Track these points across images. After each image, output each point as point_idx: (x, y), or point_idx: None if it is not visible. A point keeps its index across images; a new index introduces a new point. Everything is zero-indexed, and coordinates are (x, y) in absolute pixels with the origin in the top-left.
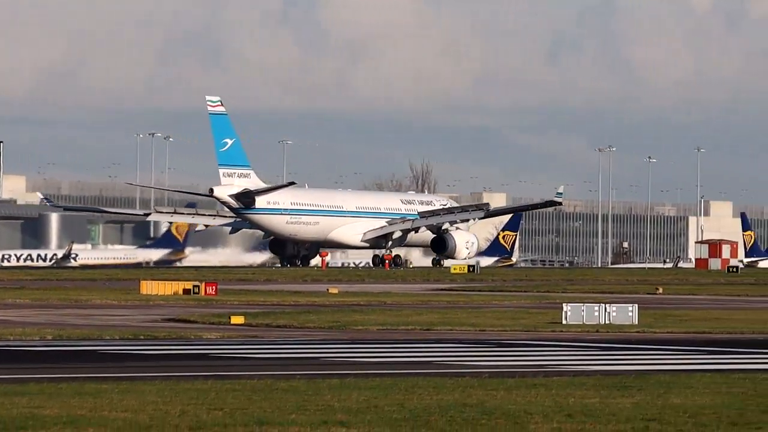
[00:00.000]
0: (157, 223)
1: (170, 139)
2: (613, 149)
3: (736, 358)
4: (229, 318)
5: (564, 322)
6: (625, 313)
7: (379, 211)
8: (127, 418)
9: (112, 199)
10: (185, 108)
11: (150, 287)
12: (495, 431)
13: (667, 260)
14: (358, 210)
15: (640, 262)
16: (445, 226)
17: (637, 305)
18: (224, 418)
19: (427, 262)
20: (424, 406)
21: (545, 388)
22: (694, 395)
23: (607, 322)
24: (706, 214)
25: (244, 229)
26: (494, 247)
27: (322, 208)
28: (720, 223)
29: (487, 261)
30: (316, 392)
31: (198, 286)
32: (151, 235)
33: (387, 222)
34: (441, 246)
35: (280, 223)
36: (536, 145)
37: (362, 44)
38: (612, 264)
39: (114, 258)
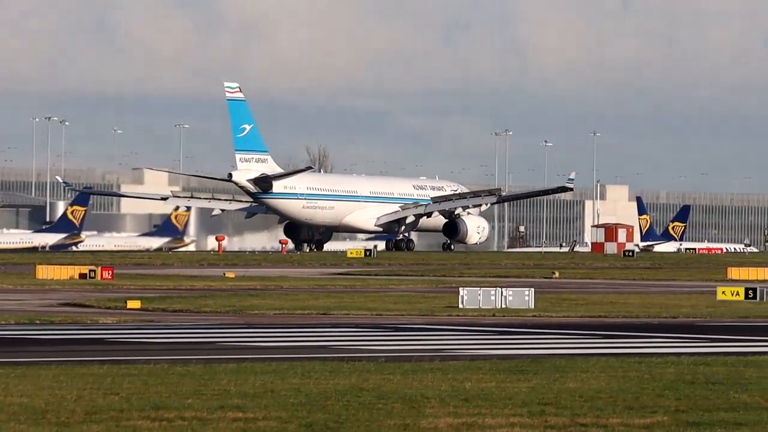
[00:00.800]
0: (54, 207)
1: (66, 123)
2: (510, 133)
3: (632, 342)
4: (125, 302)
5: (460, 306)
6: (521, 298)
7: (392, 196)
8: (23, 402)
9: (7, 183)
10: (81, 91)
11: (46, 272)
12: (391, 415)
13: (564, 244)
14: (371, 195)
15: (536, 246)
16: (458, 211)
17: (533, 289)
18: (120, 402)
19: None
20: (321, 391)
21: (442, 372)
22: (589, 379)
23: (503, 306)
24: (602, 198)
25: (259, 213)
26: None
27: (337, 193)
28: (616, 207)
29: (383, 245)
30: (212, 377)
31: (94, 271)
32: (48, 219)
33: (400, 207)
34: (453, 231)
35: (296, 208)
36: (432, 129)
37: (256, 26)
38: (508, 248)
39: (9, 243)
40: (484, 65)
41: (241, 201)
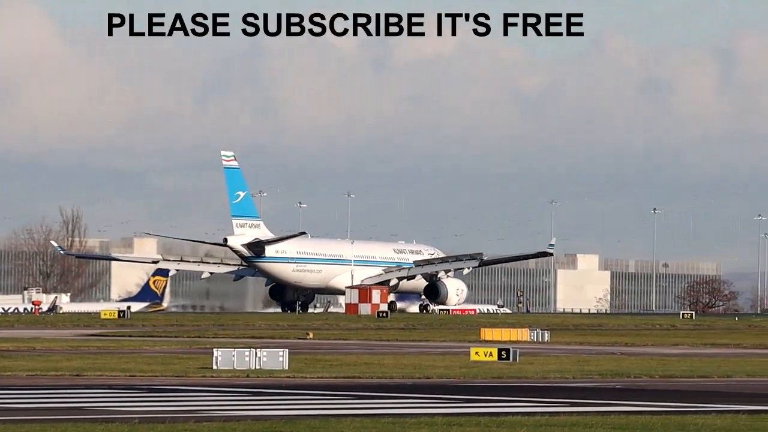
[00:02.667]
0: None
1: None
2: (264, 194)
3: (385, 403)
4: None
5: (215, 367)
6: (275, 358)
7: (374, 259)
8: None
9: None
10: None
11: None
12: None
13: (318, 305)
14: (356, 259)
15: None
16: (441, 274)
17: (287, 350)
18: None
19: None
20: None
21: None
22: None
23: (258, 367)
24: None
25: (246, 276)
26: (145, 292)
27: (324, 257)
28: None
29: (138, 306)
30: None
31: None
32: None
33: (383, 270)
34: (434, 293)
35: (287, 271)
36: (185, 189)
37: (8, 84)
38: (264, 309)
39: None
40: (238, 125)
41: (229, 264)
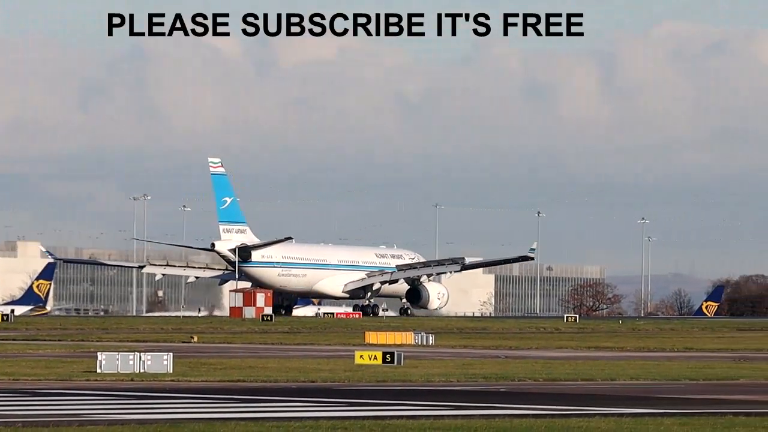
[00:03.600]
0: None
1: None
2: (149, 197)
3: (270, 407)
4: None
5: (99, 371)
6: (160, 362)
7: (357, 264)
8: None
9: None
10: None
11: None
12: None
13: (202, 309)
14: (339, 263)
15: (175, 311)
16: (423, 278)
17: (171, 354)
18: None
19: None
20: None
21: None
22: None
23: (142, 370)
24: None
25: (231, 281)
26: (28, 296)
27: (309, 262)
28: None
29: (21, 309)
30: None
31: None
32: None
33: (366, 274)
34: (415, 296)
35: (273, 276)
36: (69, 193)
37: None
38: (147, 312)
39: None
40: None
41: (214, 269)
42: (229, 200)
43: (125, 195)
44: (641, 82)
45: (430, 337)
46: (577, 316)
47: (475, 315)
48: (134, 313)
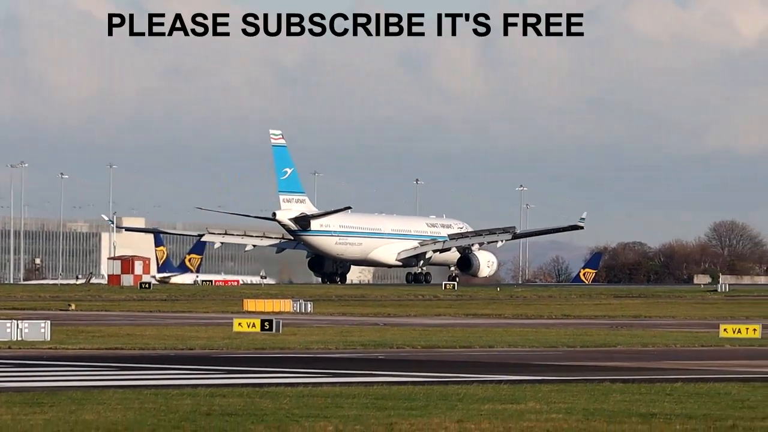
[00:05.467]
0: None
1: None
2: (26, 165)
3: (148, 374)
4: None
5: None
6: (37, 330)
7: (410, 233)
8: None
9: None
10: None
11: None
12: None
13: (80, 276)
14: (393, 232)
15: (53, 279)
16: (474, 247)
17: (49, 322)
18: None
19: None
20: None
21: None
22: (106, 411)
23: (19, 338)
24: (119, 230)
25: (288, 249)
26: None
27: (364, 231)
28: (132, 239)
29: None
30: None
31: None
32: None
33: (419, 243)
34: (466, 264)
35: (330, 244)
36: None
37: None
38: (24, 280)
39: None
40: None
41: (270, 237)
42: (289, 171)
43: (2, 163)
44: (517, 51)
45: (309, 305)
46: (455, 283)
47: (354, 283)
48: (11, 281)
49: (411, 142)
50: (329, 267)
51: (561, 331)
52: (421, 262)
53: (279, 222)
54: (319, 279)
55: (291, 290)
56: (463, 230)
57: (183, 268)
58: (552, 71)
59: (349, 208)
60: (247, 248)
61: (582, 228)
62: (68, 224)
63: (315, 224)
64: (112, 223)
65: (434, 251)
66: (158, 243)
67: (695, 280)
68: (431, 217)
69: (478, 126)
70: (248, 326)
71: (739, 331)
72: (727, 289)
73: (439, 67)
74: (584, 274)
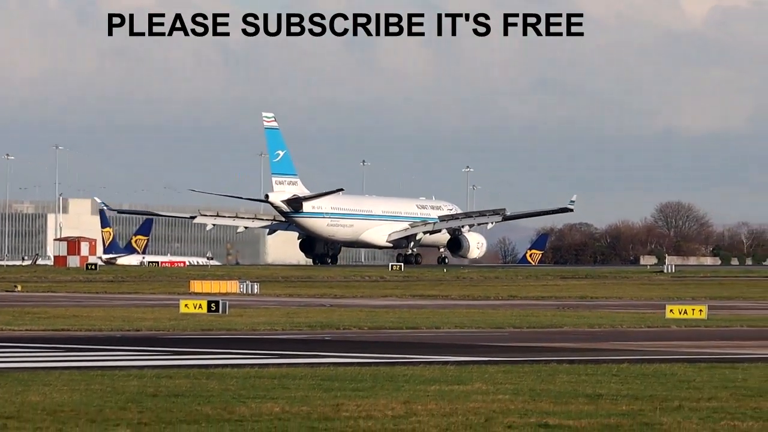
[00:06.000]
0: None
1: None
2: None
3: (95, 356)
4: None
5: None
6: None
7: (400, 215)
8: None
9: None
10: None
11: None
12: None
13: (26, 257)
14: (384, 214)
15: None
16: (464, 229)
17: None
18: None
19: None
20: None
21: None
22: (52, 392)
23: None
24: (65, 211)
25: (279, 231)
26: None
27: (355, 212)
28: (79, 220)
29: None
30: None
31: None
32: None
33: (409, 225)
34: (456, 246)
35: (322, 226)
36: None
37: None
38: None
39: None
40: None
41: (262, 219)
42: (281, 153)
43: None
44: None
45: (255, 286)
46: (402, 264)
47: (300, 264)
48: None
49: (355, 123)
50: (320, 248)
51: (507, 312)
52: (412, 243)
53: (272, 204)
54: (311, 260)
55: (237, 271)
56: (452, 212)
57: (129, 250)
58: (499, 52)
59: (341, 190)
60: (239, 230)
61: (572, 210)
62: (14, 205)
63: (307, 206)
64: (106, 206)
65: (425, 233)
66: (104, 224)
67: (641, 261)
68: (421, 198)
69: (424, 107)
70: (195, 307)
71: (685, 312)
72: (674, 270)
73: (384, 49)
74: (531, 255)
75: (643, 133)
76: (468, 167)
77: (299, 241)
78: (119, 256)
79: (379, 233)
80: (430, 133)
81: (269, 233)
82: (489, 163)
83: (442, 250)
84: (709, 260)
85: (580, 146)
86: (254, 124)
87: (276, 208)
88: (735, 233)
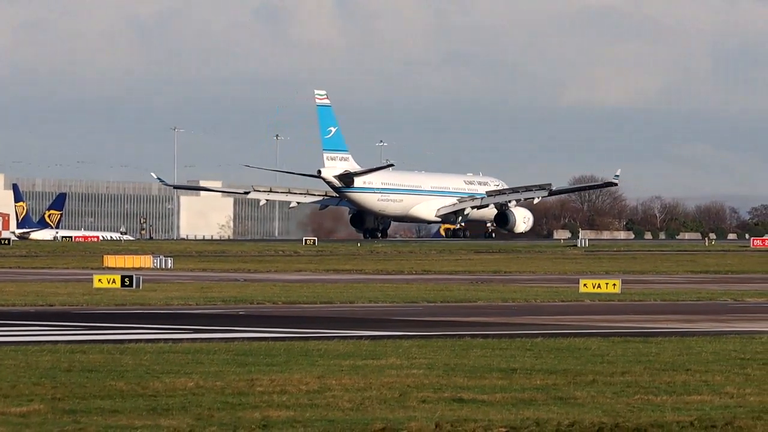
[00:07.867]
0: None
1: None
2: None
3: (8, 331)
4: None
5: None
6: None
7: (448, 190)
8: None
9: None
10: None
11: None
12: None
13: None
14: (432, 189)
15: None
16: (511, 204)
17: None
18: None
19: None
20: None
21: None
22: None
23: None
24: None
25: (331, 206)
26: None
27: (405, 188)
28: None
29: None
30: None
31: None
32: None
33: (457, 200)
34: (503, 220)
35: (372, 201)
36: None
37: None
38: None
39: None
40: None
41: (314, 195)
42: (333, 130)
43: None
44: (376, 4)
45: (169, 261)
46: (316, 239)
47: (214, 238)
48: None
49: (270, 97)
50: (371, 223)
51: (421, 287)
52: (460, 218)
53: (324, 179)
54: (361, 235)
55: (151, 246)
56: (499, 187)
57: (42, 224)
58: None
59: (392, 165)
60: (291, 205)
61: (616, 185)
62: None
63: (358, 181)
64: (162, 181)
65: (472, 207)
66: (18, 198)
67: (555, 236)
68: (468, 174)
69: (337, 79)
70: (108, 282)
71: (599, 286)
72: (587, 244)
73: (298, 20)
74: (445, 231)
75: (556, 106)
76: (381, 141)
77: (350, 216)
78: (32, 231)
79: (428, 208)
80: (344, 104)
81: (321, 208)
82: (404, 137)
83: (489, 224)
84: (622, 234)
85: (492, 118)
86: (175, 96)
87: (328, 183)
88: (648, 207)
